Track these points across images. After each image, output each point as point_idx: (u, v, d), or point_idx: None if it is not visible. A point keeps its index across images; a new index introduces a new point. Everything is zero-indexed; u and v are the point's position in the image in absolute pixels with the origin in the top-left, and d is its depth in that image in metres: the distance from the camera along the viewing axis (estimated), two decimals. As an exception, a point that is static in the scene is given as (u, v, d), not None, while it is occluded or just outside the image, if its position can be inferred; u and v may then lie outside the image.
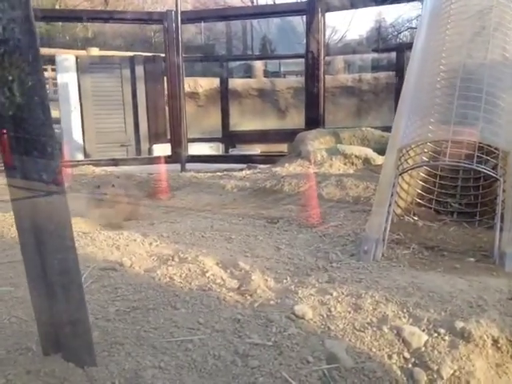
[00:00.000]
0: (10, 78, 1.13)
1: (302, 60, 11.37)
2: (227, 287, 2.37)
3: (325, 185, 4.60)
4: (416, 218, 3.29)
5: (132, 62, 10.56)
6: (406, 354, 1.81)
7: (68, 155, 8.84)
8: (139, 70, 10.54)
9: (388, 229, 2.84)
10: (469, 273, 2.55)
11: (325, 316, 2.02)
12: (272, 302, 2.18)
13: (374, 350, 1.81)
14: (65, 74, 9.77)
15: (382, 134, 6.26)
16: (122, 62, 10.54)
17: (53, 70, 9.50)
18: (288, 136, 10.53)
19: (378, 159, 5.44)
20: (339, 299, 2.16)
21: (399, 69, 11.01)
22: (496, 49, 3.45)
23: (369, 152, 5.58)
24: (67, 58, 10.01)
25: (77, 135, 9.86)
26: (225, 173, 6.42)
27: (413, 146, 3.37)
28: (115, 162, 8.04)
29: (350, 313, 2.05)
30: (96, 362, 1.48)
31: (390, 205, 2.91)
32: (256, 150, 10.53)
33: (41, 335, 1.49)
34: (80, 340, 1.45)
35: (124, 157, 9.65)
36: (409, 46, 11.82)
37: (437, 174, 3.60)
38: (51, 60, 9.51)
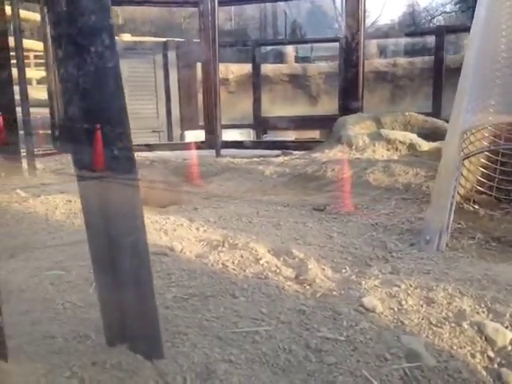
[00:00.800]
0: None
1: (333, 45, 11.05)
2: (284, 276, 2.25)
3: (371, 171, 4.41)
4: (476, 206, 3.09)
5: (165, 47, 10.47)
6: (491, 353, 1.66)
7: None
8: (172, 56, 10.44)
9: (452, 217, 2.65)
10: (544, 265, 2.36)
11: (396, 310, 1.87)
12: (335, 293, 2.04)
13: (454, 347, 1.66)
14: (98, 59, 9.76)
15: (425, 119, 5.99)
16: (155, 48, 10.47)
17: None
18: (320, 122, 10.29)
19: (424, 145, 5.19)
20: (409, 292, 2.01)
21: (438, 53, 10.61)
22: None
23: (413, 137, 5.32)
24: (101, 43, 9.98)
25: (110, 120, 9.86)
26: (261, 159, 6.27)
27: (473, 131, 3.15)
28: (149, 148, 7.98)
29: (422, 306, 1.90)
30: (163, 354, 1.38)
31: (453, 192, 2.72)
32: (290, 136, 10.34)
33: (105, 324, 1.39)
34: (148, 330, 1.34)
35: (157, 142, 9.61)
36: (449, 29, 11.39)
37: (498, 159, 3.38)
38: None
